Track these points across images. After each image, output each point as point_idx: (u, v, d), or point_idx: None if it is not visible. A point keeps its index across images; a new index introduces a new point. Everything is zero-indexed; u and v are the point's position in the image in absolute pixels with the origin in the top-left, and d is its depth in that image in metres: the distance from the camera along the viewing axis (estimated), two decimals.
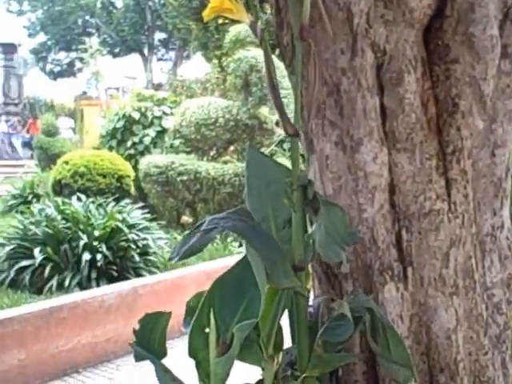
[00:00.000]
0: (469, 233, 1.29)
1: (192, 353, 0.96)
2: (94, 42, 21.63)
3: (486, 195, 1.32)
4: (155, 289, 4.35)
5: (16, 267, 4.72)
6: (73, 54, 30.65)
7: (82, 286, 4.55)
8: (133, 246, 4.85)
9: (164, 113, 8.03)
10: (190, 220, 6.83)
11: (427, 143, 1.25)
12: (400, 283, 1.27)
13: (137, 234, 4.94)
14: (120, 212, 5.11)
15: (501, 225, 1.34)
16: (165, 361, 1.14)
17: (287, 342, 1.16)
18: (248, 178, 1.18)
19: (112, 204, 5.35)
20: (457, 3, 1.21)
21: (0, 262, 4.93)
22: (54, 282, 4.55)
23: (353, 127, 1.25)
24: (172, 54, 30.42)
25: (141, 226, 5.13)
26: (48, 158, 12.09)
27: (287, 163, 1.22)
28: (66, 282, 4.53)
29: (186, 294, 4.43)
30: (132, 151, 7.81)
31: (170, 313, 1.04)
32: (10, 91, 19.36)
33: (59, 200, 5.39)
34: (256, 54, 7.02)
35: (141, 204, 5.94)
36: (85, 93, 25.31)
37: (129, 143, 7.87)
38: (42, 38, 30.46)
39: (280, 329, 1.13)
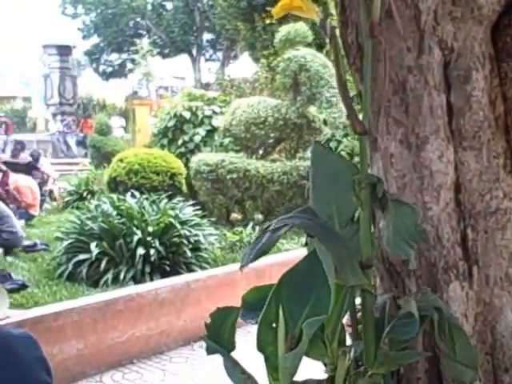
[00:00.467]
0: None
1: (260, 347, 0.98)
2: (144, 43, 22.09)
3: None
4: (207, 283, 4.43)
5: (74, 261, 4.90)
6: (124, 55, 31.43)
7: (136, 280, 4.68)
8: (185, 242, 4.95)
9: (214, 112, 8.14)
10: (239, 217, 6.90)
11: (494, 141, 1.24)
12: (465, 282, 1.26)
13: (189, 230, 5.04)
14: (172, 208, 5.22)
15: None
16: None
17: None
18: (313, 175, 1.19)
19: (165, 201, 5.47)
20: None
21: (59, 256, 5.13)
22: (110, 275, 4.70)
23: (418, 125, 1.25)
24: (219, 55, 30.72)
25: (192, 223, 5.23)
26: (101, 156, 12.44)
27: None
28: (121, 276, 4.67)
29: (236, 289, 4.49)
30: (182, 149, 7.95)
31: (239, 308, 1.07)
32: (65, 92, 20.03)
33: (114, 196, 5.55)
34: (305, 53, 7.02)
35: (192, 201, 6.05)
36: (135, 93, 25.88)
37: (179, 142, 8.01)
38: (95, 39, 31.36)
39: (343, 326, 1.14)
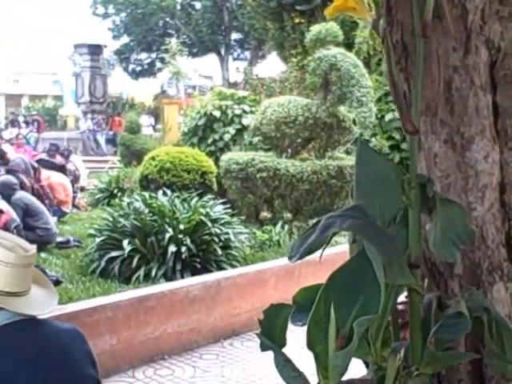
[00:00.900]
0: None
1: (310, 345, 0.99)
2: (173, 42, 22.29)
3: None
4: (237, 281, 4.46)
5: (106, 257, 4.99)
6: (153, 55, 31.78)
7: (167, 277, 4.74)
8: (215, 240, 4.99)
9: (244, 111, 8.17)
10: (268, 216, 6.91)
11: None
12: (510, 283, 1.25)
13: (219, 228, 5.08)
14: (203, 207, 5.27)
15: None
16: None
17: None
18: (357, 174, 1.20)
19: (196, 199, 5.53)
20: None
21: (91, 252, 5.23)
22: (141, 272, 4.77)
23: (464, 125, 1.24)
24: (247, 54, 30.80)
25: (223, 221, 5.27)
26: (131, 154, 12.60)
27: None
28: (153, 273, 4.74)
29: (266, 287, 4.50)
30: (212, 148, 8.01)
31: (291, 305, 1.09)
32: (96, 91, 20.37)
33: (146, 194, 5.63)
34: (336, 52, 6.99)
35: (221, 200, 6.09)
36: (164, 91, 26.14)
37: (209, 140, 8.07)
38: (125, 39, 31.79)
39: (387, 325, 1.15)
